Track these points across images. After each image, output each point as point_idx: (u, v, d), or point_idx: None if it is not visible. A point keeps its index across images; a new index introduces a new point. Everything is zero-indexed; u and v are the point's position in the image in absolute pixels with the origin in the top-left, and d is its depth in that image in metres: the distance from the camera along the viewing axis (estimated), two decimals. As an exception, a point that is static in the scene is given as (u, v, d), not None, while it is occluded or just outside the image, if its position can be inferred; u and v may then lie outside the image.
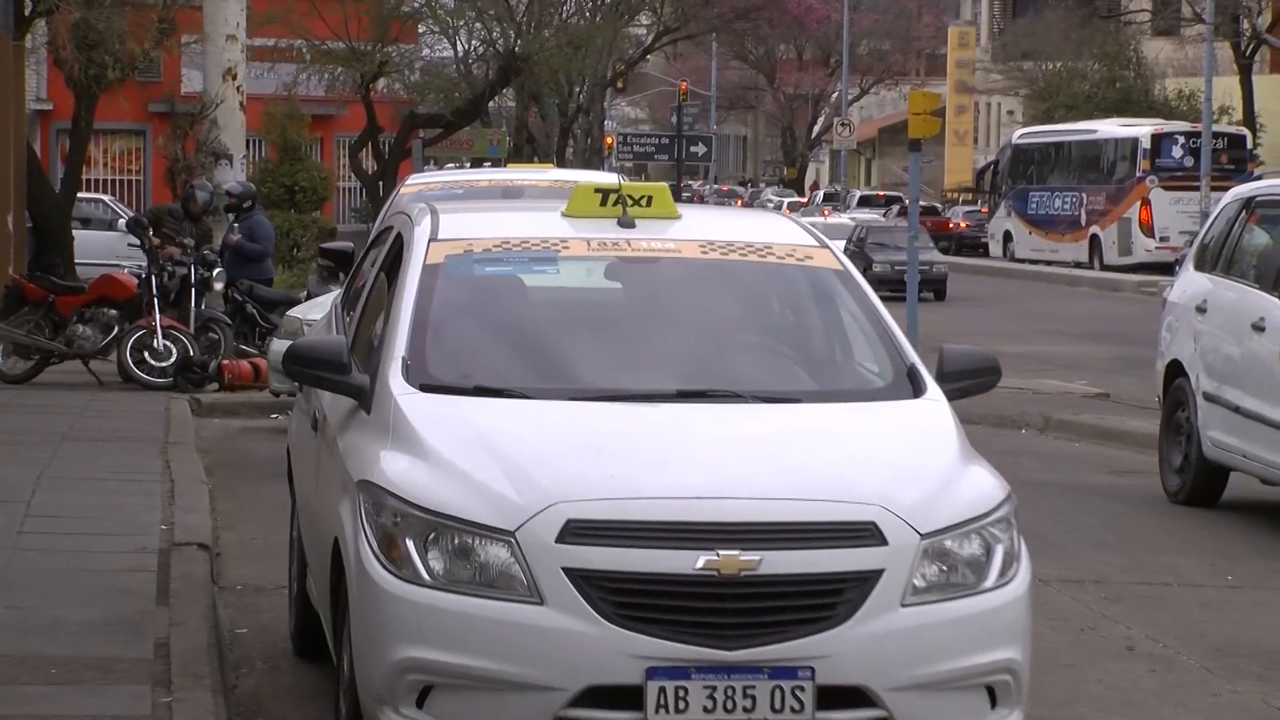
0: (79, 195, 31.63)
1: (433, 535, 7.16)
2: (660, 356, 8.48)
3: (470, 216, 9.68)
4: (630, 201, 8.75)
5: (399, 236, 9.02)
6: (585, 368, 8.30)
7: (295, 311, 18.90)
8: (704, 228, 9.11)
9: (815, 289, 8.92)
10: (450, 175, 19.51)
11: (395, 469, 7.44)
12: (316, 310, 16.57)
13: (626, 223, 8.69)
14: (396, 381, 7.85)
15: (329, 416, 8.64)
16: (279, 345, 17.06)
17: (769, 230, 9.24)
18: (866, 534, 7.19)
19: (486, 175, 18.21)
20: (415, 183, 16.68)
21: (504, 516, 7.12)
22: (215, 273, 22.45)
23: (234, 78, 27.24)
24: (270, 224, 24.84)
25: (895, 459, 7.65)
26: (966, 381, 8.41)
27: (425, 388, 7.85)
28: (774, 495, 7.31)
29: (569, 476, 7.29)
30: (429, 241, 8.60)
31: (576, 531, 7.05)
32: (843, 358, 8.76)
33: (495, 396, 7.87)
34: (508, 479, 7.26)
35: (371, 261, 9.71)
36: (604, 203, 8.77)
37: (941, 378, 8.29)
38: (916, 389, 8.22)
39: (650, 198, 8.83)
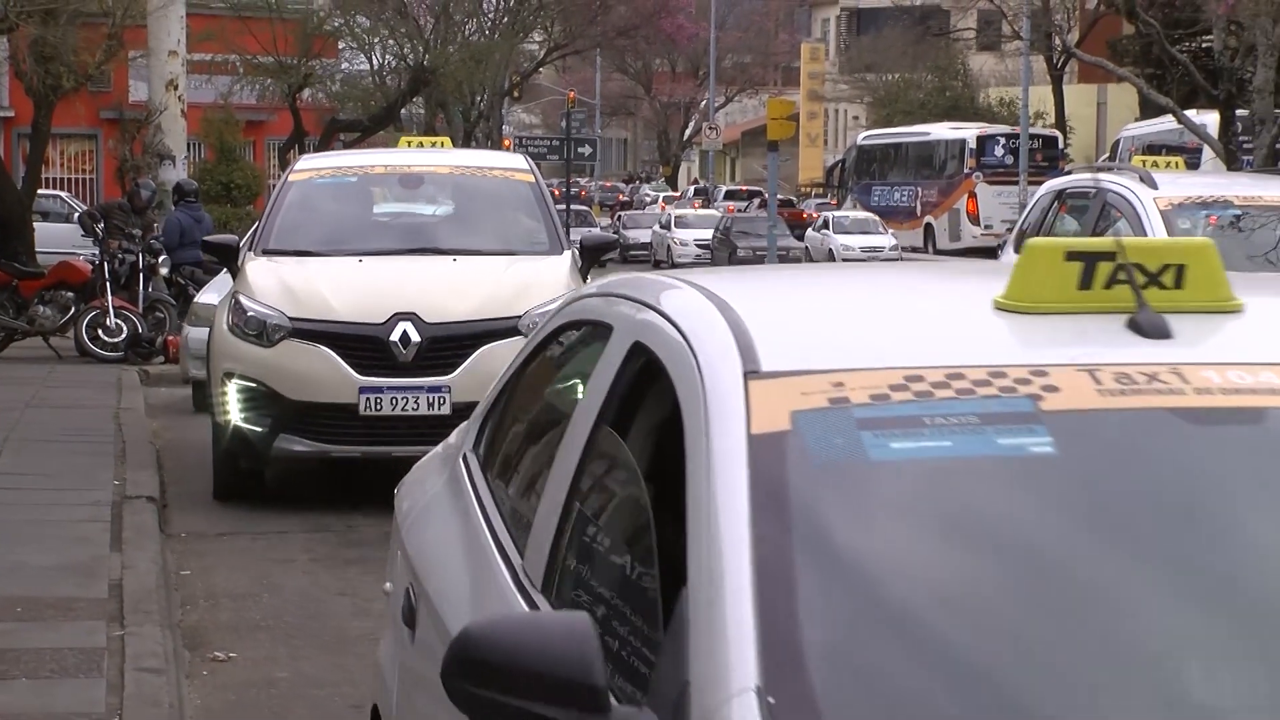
0: (39, 192, 31.27)
1: None
2: None
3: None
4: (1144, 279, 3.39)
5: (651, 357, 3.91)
6: None
7: (201, 298, 17.41)
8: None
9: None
10: (341, 159, 15.69)
11: None
12: (213, 292, 15.96)
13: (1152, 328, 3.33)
14: None
15: None
16: (196, 333, 16.15)
17: None
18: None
19: (382, 159, 14.87)
20: (305, 168, 14.00)
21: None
22: (160, 259, 22.39)
23: (175, 88, 27.05)
24: (175, 220, 23.79)
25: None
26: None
27: None
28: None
29: None
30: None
31: None
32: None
33: None
34: None
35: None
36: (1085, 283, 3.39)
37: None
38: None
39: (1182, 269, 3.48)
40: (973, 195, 54.62)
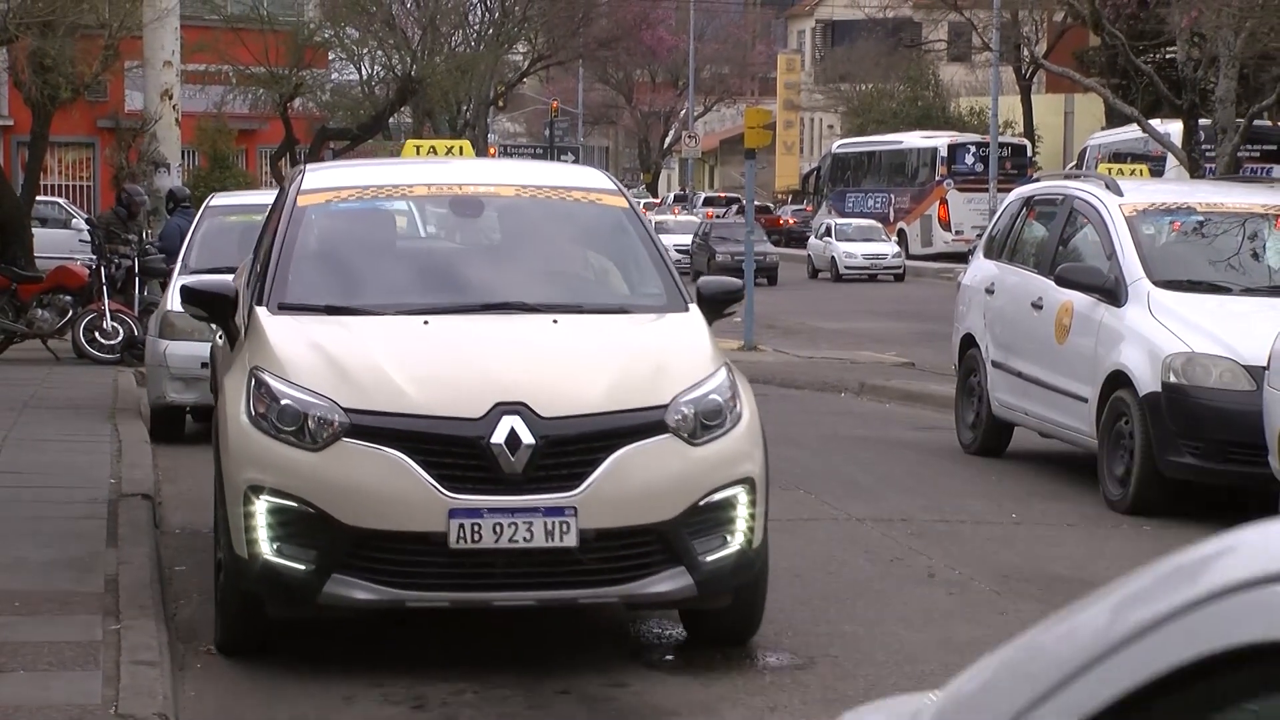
0: (37, 198, 31.23)
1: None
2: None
3: None
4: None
5: None
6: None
7: (175, 304, 14.39)
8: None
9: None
10: (363, 174, 10.59)
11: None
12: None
13: None
14: None
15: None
16: (177, 349, 15.42)
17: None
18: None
19: (421, 175, 10.08)
20: (317, 187, 9.79)
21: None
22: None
23: (170, 98, 26.97)
24: (175, 226, 23.69)
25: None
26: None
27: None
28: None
29: None
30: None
31: None
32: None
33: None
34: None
35: None
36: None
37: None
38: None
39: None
40: (944, 202, 54.72)
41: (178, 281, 14.73)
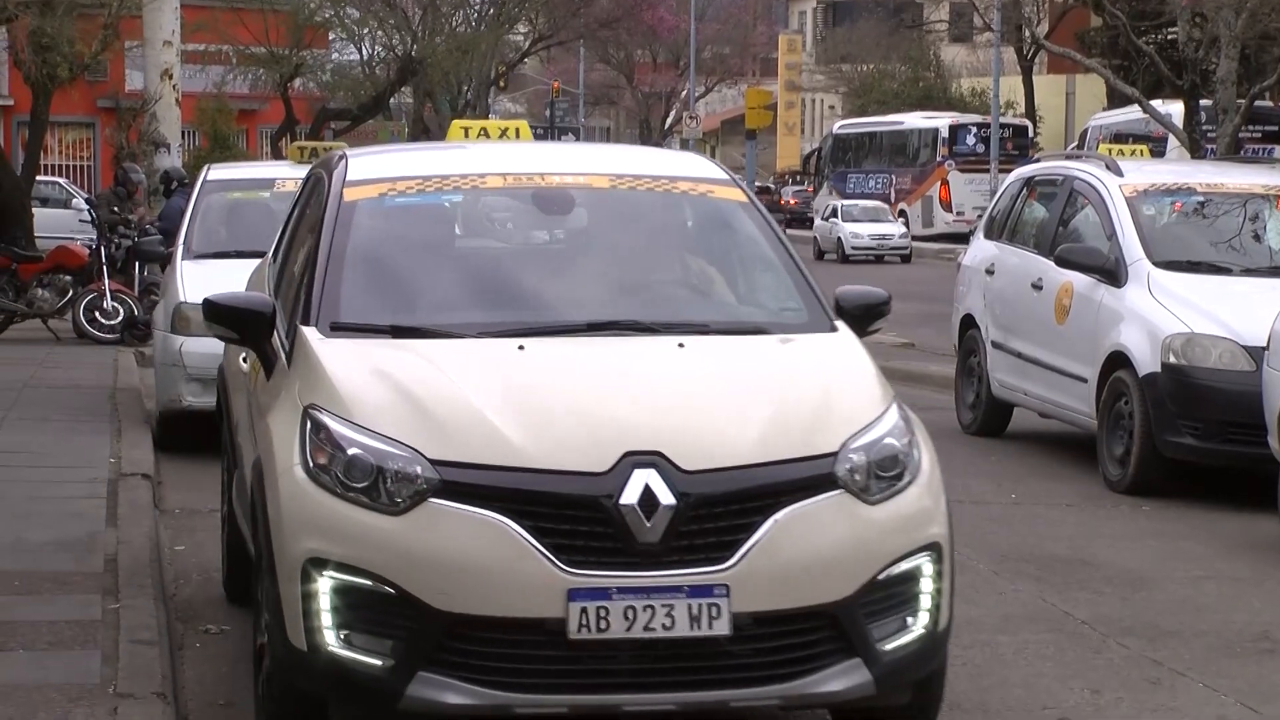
0: (37, 178, 31.19)
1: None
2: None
3: None
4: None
5: None
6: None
7: (187, 292, 13.77)
8: None
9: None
10: (417, 161, 8.55)
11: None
12: (202, 282, 12.94)
13: None
14: None
15: None
16: (193, 346, 13.31)
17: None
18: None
19: (490, 162, 8.28)
20: (363, 178, 7.89)
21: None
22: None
23: (170, 77, 26.94)
24: (177, 205, 23.78)
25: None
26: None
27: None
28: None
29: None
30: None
31: None
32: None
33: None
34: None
35: None
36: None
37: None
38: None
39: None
40: (945, 183, 54.71)
41: (182, 267, 14.34)
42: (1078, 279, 13.67)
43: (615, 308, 7.32)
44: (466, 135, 9.14)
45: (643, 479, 6.17)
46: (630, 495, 6.14)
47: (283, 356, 7.19)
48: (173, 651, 8.06)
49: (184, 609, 9.10)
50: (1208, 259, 13.50)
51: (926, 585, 6.48)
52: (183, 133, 29.37)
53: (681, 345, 6.94)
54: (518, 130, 9.14)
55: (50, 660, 7.56)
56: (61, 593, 8.72)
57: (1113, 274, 13.30)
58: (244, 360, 8.17)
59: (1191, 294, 12.88)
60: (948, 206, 54.50)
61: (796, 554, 6.21)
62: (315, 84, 45.30)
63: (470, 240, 8.17)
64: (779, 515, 6.23)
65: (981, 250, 15.88)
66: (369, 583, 6.18)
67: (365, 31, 45.97)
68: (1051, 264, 14.10)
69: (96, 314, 21.22)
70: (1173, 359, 12.43)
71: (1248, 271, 13.41)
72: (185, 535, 10.87)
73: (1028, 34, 53.35)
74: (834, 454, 6.39)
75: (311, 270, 7.34)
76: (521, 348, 6.83)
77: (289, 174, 14.81)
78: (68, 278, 21.79)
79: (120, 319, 21.19)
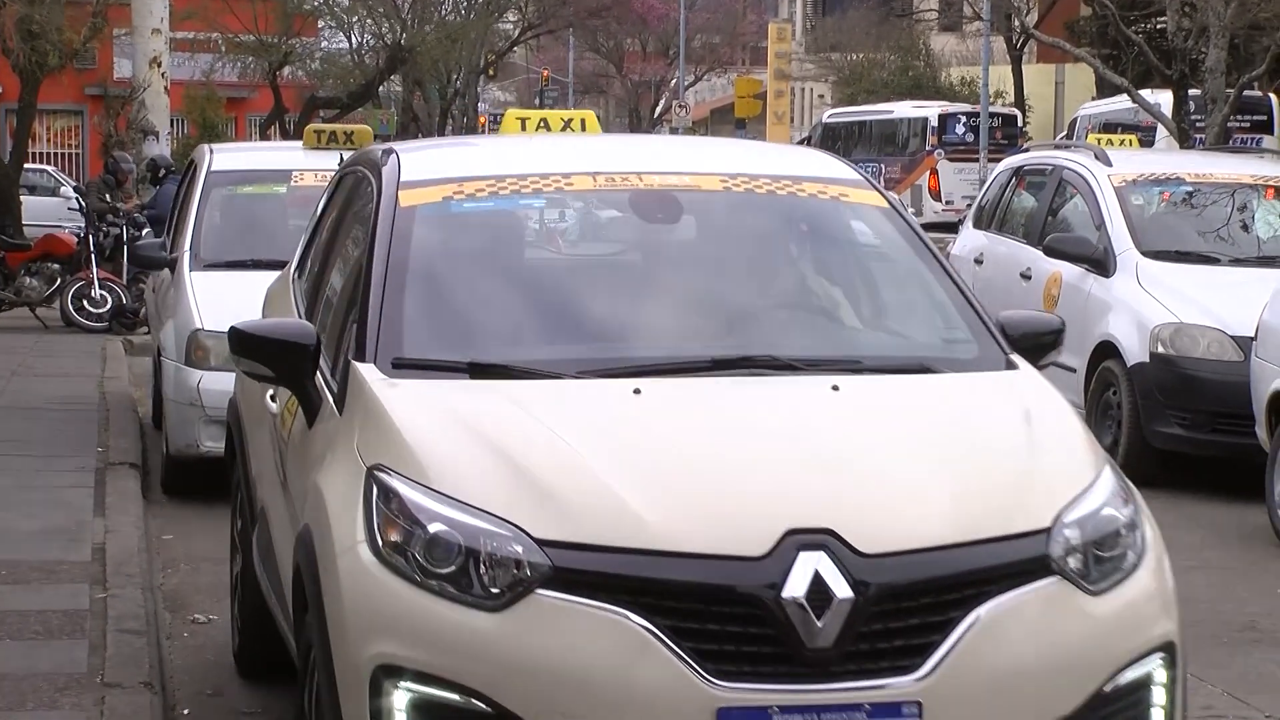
0: (26, 166, 31.17)
1: None
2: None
3: None
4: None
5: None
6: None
7: (206, 320, 11.59)
8: None
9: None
10: (482, 157, 6.94)
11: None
12: (218, 304, 11.27)
13: None
14: None
15: None
16: (212, 381, 11.23)
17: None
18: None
19: (576, 160, 6.68)
20: (419, 178, 6.41)
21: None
22: (144, 232, 22.32)
23: (159, 65, 26.89)
24: (168, 193, 23.75)
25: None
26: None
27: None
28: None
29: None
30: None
31: None
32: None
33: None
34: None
35: None
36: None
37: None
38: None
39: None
40: (934, 172, 54.65)
41: (192, 283, 12.09)
42: (1066, 269, 13.67)
43: (744, 339, 5.86)
44: (524, 127, 7.94)
45: (811, 565, 4.73)
46: (796, 587, 4.70)
47: (329, 399, 5.75)
48: (160, 641, 8.05)
49: (172, 598, 9.09)
50: (1196, 249, 13.51)
51: (1159, 697, 5.07)
52: (171, 121, 29.32)
53: (836, 388, 5.45)
54: (583, 121, 8.04)
55: (38, 650, 7.55)
56: (49, 582, 8.71)
57: (1101, 264, 13.30)
58: (271, 398, 6.63)
59: (1180, 284, 12.89)
60: (937, 195, 54.46)
61: (1005, 661, 4.80)
62: (304, 72, 45.30)
63: (559, 255, 6.67)
64: (982, 610, 4.80)
65: (970, 240, 15.89)
66: (457, 697, 4.75)
67: (354, 20, 45.98)
68: (1040, 254, 14.10)
69: (84, 302, 21.22)
70: (1161, 349, 12.44)
71: (1236, 261, 13.42)
72: (173, 524, 10.86)
73: (1017, 23, 53.35)
74: (1046, 530, 4.96)
75: (364, 292, 5.82)
76: (638, 391, 5.34)
77: (305, 164, 13.08)
78: (56, 266, 21.78)
79: (108, 307, 21.19)
